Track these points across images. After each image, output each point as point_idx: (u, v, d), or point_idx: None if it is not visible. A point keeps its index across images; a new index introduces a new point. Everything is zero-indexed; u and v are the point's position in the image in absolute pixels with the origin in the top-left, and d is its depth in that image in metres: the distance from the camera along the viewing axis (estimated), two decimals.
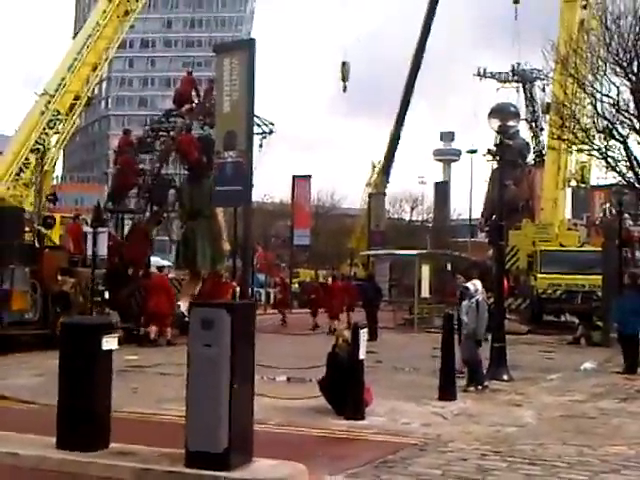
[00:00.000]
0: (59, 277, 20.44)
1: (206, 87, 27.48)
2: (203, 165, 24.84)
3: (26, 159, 29.54)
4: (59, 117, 29.88)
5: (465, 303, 14.09)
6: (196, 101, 27.47)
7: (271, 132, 29.08)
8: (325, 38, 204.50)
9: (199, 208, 24.45)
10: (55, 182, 45.07)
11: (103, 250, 21.13)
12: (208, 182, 23.65)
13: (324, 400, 10.87)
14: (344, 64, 51.69)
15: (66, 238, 23.68)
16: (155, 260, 29.74)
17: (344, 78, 51.55)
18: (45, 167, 29.97)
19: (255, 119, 30.00)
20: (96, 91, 60.45)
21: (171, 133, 27.36)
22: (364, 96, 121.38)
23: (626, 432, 9.91)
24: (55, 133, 29.97)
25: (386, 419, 10.46)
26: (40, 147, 29.64)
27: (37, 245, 21.03)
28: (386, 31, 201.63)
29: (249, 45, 23.27)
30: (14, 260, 18.97)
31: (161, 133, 28.24)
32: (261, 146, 30.16)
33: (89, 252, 21.04)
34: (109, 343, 7.91)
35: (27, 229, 21.50)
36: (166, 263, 31.77)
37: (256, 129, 29.95)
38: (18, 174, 29.49)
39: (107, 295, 21.47)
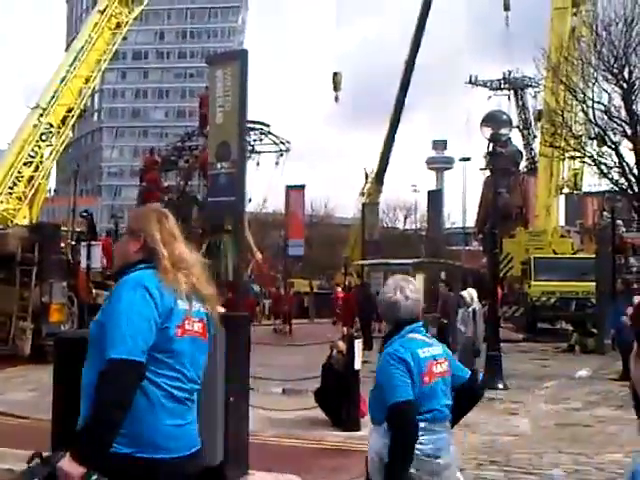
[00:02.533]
0: (93, 290, 21.17)
1: None
2: None
3: (19, 172, 29.55)
4: (52, 130, 29.91)
5: (461, 312, 14.09)
6: None
7: (288, 150, 29.87)
8: (319, 49, 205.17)
9: (221, 222, 24.99)
10: (48, 195, 45.06)
11: (97, 262, 21.29)
12: None
13: (320, 411, 10.85)
14: (336, 74, 51.88)
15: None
16: None
17: (336, 88, 51.73)
18: (38, 180, 29.99)
19: (271, 137, 30.69)
20: (89, 103, 60.39)
21: (194, 152, 28.09)
22: (358, 107, 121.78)
23: (622, 440, 9.90)
24: (48, 146, 30.00)
25: None
26: (33, 160, 29.65)
27: (72, 260, 21.83)
28: (380, 41, 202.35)
29: (241, 56, 23.31)
30: (53, 274, 19.78)
31: (184, 152, 29.07)
32: (277, 163, 30.86)
33: (83, 264, 21.18)
34: None
35: (62, 245, 22.28)
36: None
37: (273, 147, 30.75)
38: (11, 187, 29.50)
39: None
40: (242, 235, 26.90)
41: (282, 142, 29.17)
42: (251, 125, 29.74)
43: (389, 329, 4.01)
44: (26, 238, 19.92)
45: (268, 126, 30.78)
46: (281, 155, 29.25)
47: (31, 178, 29.62)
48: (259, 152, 31.01)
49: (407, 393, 3.69)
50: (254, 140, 30.40)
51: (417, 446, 3.67)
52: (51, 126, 29.85)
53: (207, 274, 3.44)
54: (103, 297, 21.94)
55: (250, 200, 32.46)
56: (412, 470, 3.64)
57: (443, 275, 27.23)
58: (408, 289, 4.01)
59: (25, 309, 19.04)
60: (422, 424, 3.72)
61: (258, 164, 30.60)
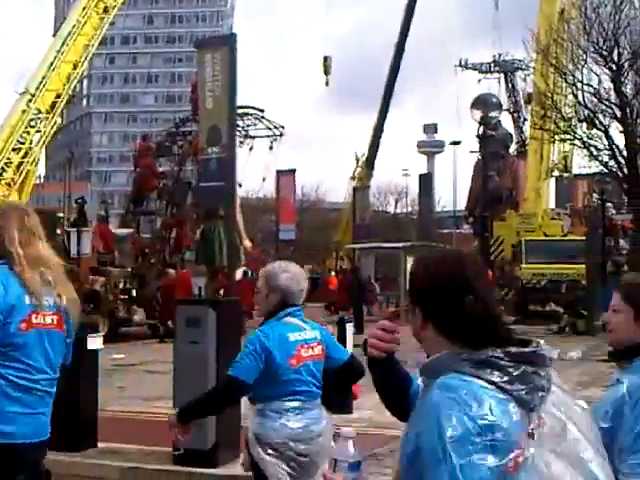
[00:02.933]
0: (90, 276, 21.51)
1: None
2: None
3: (8, 159, 29.40)
4: (40, 116, 29.75)
5: None
6: None
7: (281, 135, 30.08)
8: (309, 33, 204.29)
9: (215, 208, 25.10)
10: (38, 181, 44.88)
11: (86, 249, 21.28)
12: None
13: None
14: (326, 58, 51.81)
15: (95, 238, 24.49)
16: None
17: (326, 72, 51.66)
18: (27, 166, 29.87)
19: (265, 122, 30.79)
20: (77, 89, 60.06)
21: (188, 137, 28.19)
22: (349, 91, 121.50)
23: None
24: (37, 132, 29.85)
25: (374, 412, 10.46)
26: (22, 146, 29.51)
27: (67, 246, 21.99)
28: (372, 25, 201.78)
29: (230, 40, 23.27)
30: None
31: (178, 138, 29.14)
32: (271, 148, 31.09)
33: (73, 250, 21.15)
34: (94, 343, 7.90)
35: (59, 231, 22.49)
36: None
37: (266, 132, 30.85)
38: (0, 174, 29.35)
39: (134, 293, 22.63)
40: (234, 221, 27.11)
41: (276, 127, 29.41)
42: (245, 110, 29.81)
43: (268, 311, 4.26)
44: None
45: (262, 111, 30.90)
46: (275, 140, 29.45)
47: (20, 164, 29.48)
48: (253, 137, 31.07)
49: (243, 373, 4.01)
50: (248, 125, 30.47)
51: (293, 422, 4.05)
52: (40, 112, 29.69)
53: (64, 271, 3.59)
54: (100, 283, 21.43)
55: (240, 185, 32.42)
56: (291, 443, 4.01)
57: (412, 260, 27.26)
58: (287, 275, 4.19)
59: None
60: (296, 403, 4.07)
61: (251, 149, 30.73)
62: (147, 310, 22.91)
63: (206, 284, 25.45)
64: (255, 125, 30.79)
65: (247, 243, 29.31)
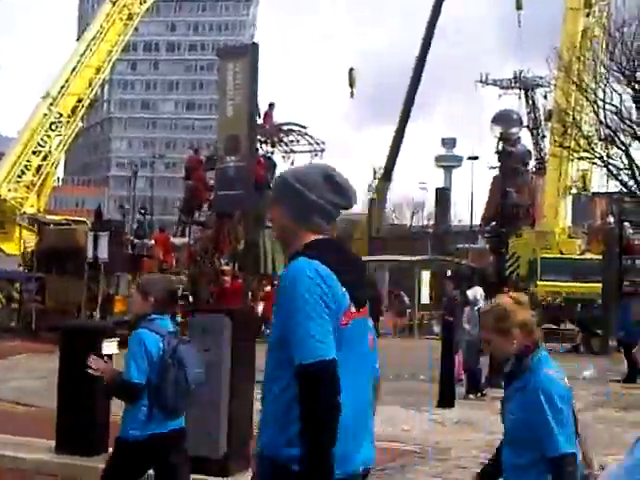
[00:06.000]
0: None
1: (265, 110, 29.65)
2: (266, 180, 27.12)
3: (28, 161, 29.62)
4: (61, 119, 29.96)
5: (467, 310, 14.07)
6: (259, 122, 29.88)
7: (322, 150, 31.07)
8: (333, 45, 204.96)
9: (261, 219, 26.03)
10: (56, 184, 45.18)
11: (104, 253, 21.29)
12: (267, 195, 25.62)
13: None
14: (351, 70, 51.86)
15: (155, 247, 25.80)
16: None
17: (351, 84, 51.71)
18: (47, 169, 30.08)
19: (307, 137, 31.54)
20: (98, 94, 60.41)
21: None
22: (370, 104, 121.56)
23: (625, 441, 9.89)
24: (57, 135, 30.06)
25: (385, 426, 10.44)
26: (42, 149, 29.72)
27: (132, 254, 23.49)
28: (389, 39, 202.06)
29: (252, 50, 23.36)
30: (118, 268, 21.37)
31: None
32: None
33: (89, 255, 21.26)
34: (109, 347, 7.91)
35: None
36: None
37: (308, 147, 31.66)
38: (20, 176, 29.58)
39: (191, 299, 23.27)
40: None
41: (317, 143, 30.62)
42: (289, 127, 30.81)
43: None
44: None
45: (305, 127, 31.87)
46: (316, 155, 30.65)
47: (39, 167, 29.70)
48: (295, 152, 31.98)
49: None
50: (291, 141, 31.48)
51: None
52: (61, 116, 29.90)
53: None
54: None
55: None
56: None
57: (449, 273, 27.22)
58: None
59: (93, 300, 20.42)
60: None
61: (292, 163, 31.77)
62: None
63: (255, 291, 26.10)
64: (298, 142, 31.72)
65: None
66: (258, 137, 30.10)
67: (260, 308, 23.86)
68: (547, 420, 3.29)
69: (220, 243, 26.16)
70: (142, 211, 31.04)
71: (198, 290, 23.99)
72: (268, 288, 25.83)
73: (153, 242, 27.02)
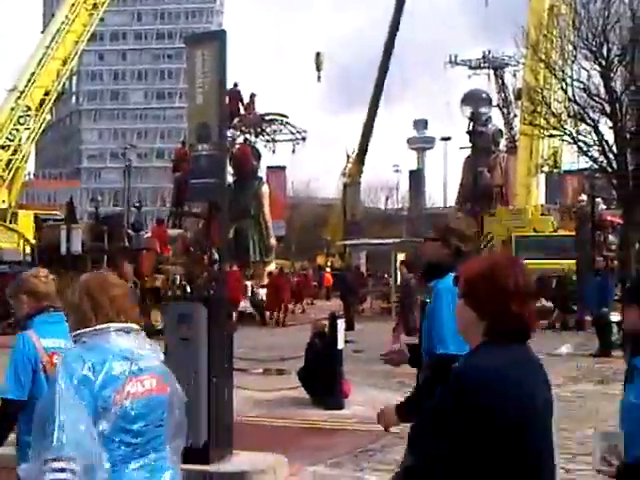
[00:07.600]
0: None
1: (247, 100, 29.82)
2: (253, 171, 27.21)
3: None
4: (29, 113, 29.64)
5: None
6: (242, 112, 29.87)
7: (304, 139, 31.24)
8: (305, 31, 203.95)
9: (247, 208, 26.10)
10: (27, 179, 44.73)
11: (77, 246, 21.23)
12: (253, 185, 27.77)
13: (303, 391, 10.88)
14: (318, 54, 51.89)
15: (153, 239, 26.04)
16: None
17: (318, 68, 51.72)
18: (17, 163, 29.77)
19: (288, 126, 31.72)
20: (66, 86, 59.79)
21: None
22: (341, 89, 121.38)
23: (603, 414, 10.00)
24: (26, 129, 29.75)
25: (366, 408, 10.46)
26: (11, 144, 29.41)
27: (129, 247, 23.73)
28: (361, 24, 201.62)
29: (220, 36, 23.12)
30: (120, 260, 21.22)
31: None
32: (293, 151, 32.45)
33: (63, 249, 21.14)
34: None
35: None
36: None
37: (289, 136, 31.87)
38: None
39: (188, 289, 23.57)
40: (264, 219, 28.74)
41: (298, 131, 30.87)
42: (271, 117, 31.00)
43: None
44: (95, 229, 22.04)
45: (286, 117, 31.98)
46: (297, 144, 30.91)
47: (9, 162, 29.39)
48: (276, 141, 32.13)
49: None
50: (274, 130, 31.60)
51: None
52: (29, 109, 29.58)
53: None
54: (161, 280, 23.13)
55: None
56: None
57: (403, 257, 27.18)
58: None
59: None
60: None
61: (274, 152, 31.94)
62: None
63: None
64: (280, 131, 31.88)
65: (273, 241, 30.40)
66: (242, 127, 30.30)
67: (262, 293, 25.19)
68: None
69: (211, 233, 26.42)
70: (137, 204, 31.48)
71: (194, 279, 24.27)
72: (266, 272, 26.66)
73: (149, 234, 27.34)
